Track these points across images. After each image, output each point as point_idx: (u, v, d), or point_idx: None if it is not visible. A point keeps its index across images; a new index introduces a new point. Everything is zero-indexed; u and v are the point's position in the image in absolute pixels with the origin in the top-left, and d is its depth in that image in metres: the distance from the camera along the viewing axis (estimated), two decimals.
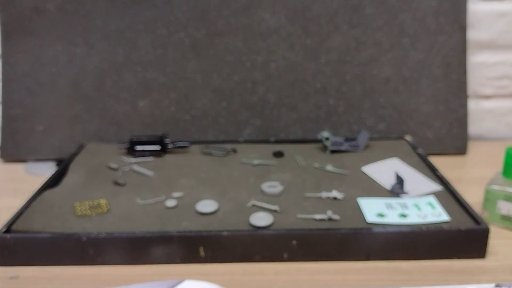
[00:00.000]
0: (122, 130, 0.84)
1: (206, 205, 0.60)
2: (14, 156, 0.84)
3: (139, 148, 0.76)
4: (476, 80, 0.90)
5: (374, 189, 0.64)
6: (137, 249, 0.53)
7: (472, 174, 0.77)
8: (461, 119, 0.84)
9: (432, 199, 0.60)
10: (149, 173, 0.70)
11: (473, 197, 0.65)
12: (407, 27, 0.83)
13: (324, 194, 0.62)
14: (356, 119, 0.84)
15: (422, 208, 0.58)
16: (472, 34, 0.88)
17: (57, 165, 0.81)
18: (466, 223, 0.55)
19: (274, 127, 0.84)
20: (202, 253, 0.53)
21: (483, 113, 0.91)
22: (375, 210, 0.58)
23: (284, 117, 0.84)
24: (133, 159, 0.75)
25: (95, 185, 0.66)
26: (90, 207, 0.59)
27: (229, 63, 0.83)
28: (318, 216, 0.57)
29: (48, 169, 0.80)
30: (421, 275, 0.51)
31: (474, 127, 0.92)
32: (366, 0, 0.82)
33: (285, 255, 0.53)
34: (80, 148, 0.79)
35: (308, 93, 0.83)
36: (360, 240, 0.53)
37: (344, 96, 0.84)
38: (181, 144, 0.77)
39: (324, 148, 0.78)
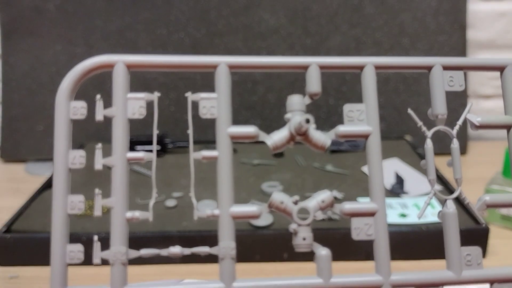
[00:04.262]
0: None
1: (206, 205, 0.60)
2: (14, 156, 0.84)
3: (139, 148, 0.76)
4: (476, 80, 0.90)
5: None
6: (137, 249, 0.53)
7: (472, 174, 0.77)
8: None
9: (432, 199, 0.60)
10: (149, 173, 0.70)
11: (473, 197, 0.65)
12: (407, 27, 0.83)
13: None
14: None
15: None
16: (472, 34, 0.88)
17: None
18: (466, 223, 0.55)
19: (274, 127, 0.84)
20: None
21: (483, 113, 0.91)
22: None
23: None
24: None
25: (95, 185, 0.66)
26: (90, 207, 0.59)
27: None
28: (318, 217, 0.57)
29: (48, 169, 0.80)
30: None
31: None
32: (366, 0, 0.82)
33: (285, 255, 0.53)
34: (80, 148, 0.79)
35: None
36: (361, 241, 0.53)
37: (344, 96, 0.84)
38: (181, 144, 0.77)
39: None
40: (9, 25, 0.82)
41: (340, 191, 0.63)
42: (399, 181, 0.63)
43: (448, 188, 0.63)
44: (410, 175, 0.68)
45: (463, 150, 0.84)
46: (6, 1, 0.82)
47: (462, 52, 0.83)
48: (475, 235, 0.53)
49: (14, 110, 0.83)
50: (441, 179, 0.66)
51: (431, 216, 0.56)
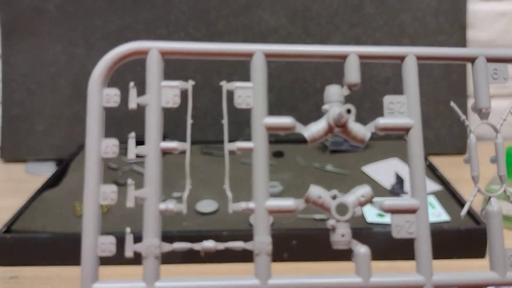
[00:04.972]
0: (122, 130, 0.84)
1: (206, 205, 0.60)
2: (14, 156, 0.84)
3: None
4: None
5: (374, 189, 0.64)
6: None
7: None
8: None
9: (432, 199, 0.60)
10: None
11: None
12: (407, 27, 0.83)
13: None
14: (356, 119, 0.84)
15: None
16: (472, 34, 0.88)
17: (57, 165, 0.81)
18: (466, 223, 0.55)
19: None
20: (202, 253, 0.53)
21: None
22: (375, 210, 0.58)
23: None
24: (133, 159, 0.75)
25: None
26: None
27: (229, 63, 0.83)
28: (318, 216, 0.57)
29: (48, 169, 0.80)
30: None
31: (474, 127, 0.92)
32: (366, 0, 0.82)
33: (285, 255, 0.53)
34: (80, 148, 0.79)
35: (308, 93, 0.83)
36: (360, 240, 0.53)
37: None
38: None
39: (324, 148, 0.78)
40: (9, 25, 0.82)
41: (340, 191, 0.63)
42: (399, 181, 0.63)
43: (448, 189, 0.63)
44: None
45: (463, 150, 0.84)
46: (6, 1, 0.82)
47: None
48: (475, 235, 0.53)
49: (14, 110, 0.83)
50: (441, 179, 0.66)
51: (431, 216, 0.56)
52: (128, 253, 0.30)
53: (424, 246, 0.31)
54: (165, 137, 0.78)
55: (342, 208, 0.31)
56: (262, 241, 0.30)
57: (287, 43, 0.82)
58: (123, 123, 0.84)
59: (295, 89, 0.84)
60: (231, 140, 0.36)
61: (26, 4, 0.81)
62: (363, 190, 0.31)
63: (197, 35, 0.82)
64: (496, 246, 0.31)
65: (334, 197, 0.31)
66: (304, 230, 0.53)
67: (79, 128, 0.83)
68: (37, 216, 0.58)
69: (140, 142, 0.84)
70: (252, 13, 0.82)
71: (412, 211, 0.31)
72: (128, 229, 0.30)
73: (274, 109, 0.86)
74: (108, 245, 0.30)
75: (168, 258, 0.54)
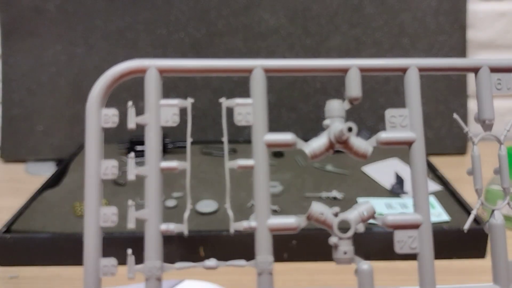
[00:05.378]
0: (122, 130, 0.84)
1: (206, 205, 0.60)
2: (14, 156, 0.84)
3: (139, 148, 0.76)
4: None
5: (374, 189, 0.64)
6: (137, 249, 0.53)
7: None
8: (461, 119, 0.84)
9: (432, 199, 0.60)
10: None
11: (473, 197, 0.65)
12: (407, 27, 0.83)
13: (324, 194, 0.62)
14: (356, 119, 0.84)
15: None
16: (472, 34, 0.88)
17: (57, 165, 0.81)
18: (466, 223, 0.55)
19: (274, 127, 0.84)
20: (202, 253, 0.53)
21: None
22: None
23: (284, 117, 0.84)
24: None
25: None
26: None
27: None
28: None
29: (48, 169, 0.80)
30: None
31: (474, 127, 0.92)
32: (366, 0, 0.82)
33: (285, 255, 0.53)
34: (80, 148, 0.79)
35: (308, 93, 0.83)
36: (360, 240, 0.53)
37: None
38: (180, 144, 0.77)
39: None
40: (9, 25, 0.82)
41: (340, 191, 0.63)
42: (399, 181, 0.63)
43: (448, 189, 0.63)
44: (410, 175, 0.67)
45: (463, 150, 0.84)
46: (6, 1, 0.82)
47: (462, 52, 0.83)
48: (475, 235, 0.53)
49: (14, 110, 0.83)
50: (441, 179, 0.66)
51: (431, 216, 0.56)
52: (130, 275, 0.30)
53: (427, 261, 0.31)
54: (164, 137, 0.78)
55: (344, 225, 0.31)
56: (264, 261, 0.30)
57: (287, 43, 0.83)
58: (123, 123, 0.84)
59: (295, 89, 0.84)
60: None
61: (26, 4, 0.81)
62: (366, 206, 0.31)
63: (197, 35, 0.82)
64: (500, 259, 0.31)
65: (336, 214, 0.31)
66: (304, 230, 0.53)
67: (79, 128, 0.83)
68: (37, 216, 0.58)
69: (141, 142, 0.84)
70: (252, 13, 0.82)
71: (415, 226, 0.31)
72: (129, 251, 0.30)
73: (274, 109, 0.86)
74: (110, 267, 0.30)
75: (168, 259, 0.54)
